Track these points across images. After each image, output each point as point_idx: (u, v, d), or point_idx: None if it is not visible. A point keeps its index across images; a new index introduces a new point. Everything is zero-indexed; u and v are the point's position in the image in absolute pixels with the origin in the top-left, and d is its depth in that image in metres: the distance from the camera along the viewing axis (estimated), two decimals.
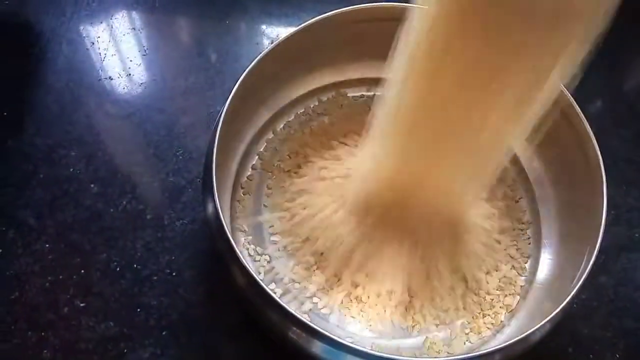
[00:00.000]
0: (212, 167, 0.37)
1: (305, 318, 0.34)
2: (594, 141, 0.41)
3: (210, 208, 0.37)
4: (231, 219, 0.44)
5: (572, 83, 0.41)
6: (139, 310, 0.42)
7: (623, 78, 0.58)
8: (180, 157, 0.49)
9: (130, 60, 0.54)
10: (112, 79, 0.53)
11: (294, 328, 0.34)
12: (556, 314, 0.35)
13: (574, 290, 0.35)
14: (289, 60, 0.46)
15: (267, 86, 0.47)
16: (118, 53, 0.55)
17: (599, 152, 0.40)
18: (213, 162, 0.37)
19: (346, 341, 0.32)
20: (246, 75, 0.41)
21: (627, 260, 0.46)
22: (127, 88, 0.52)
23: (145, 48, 0.55)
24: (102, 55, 0.54)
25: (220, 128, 0.38)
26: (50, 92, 0.52)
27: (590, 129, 0.41)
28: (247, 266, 0.34)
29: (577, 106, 0.41)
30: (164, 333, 0.41)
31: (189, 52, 0.56)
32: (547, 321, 0.35)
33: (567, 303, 0.35)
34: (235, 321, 0.42)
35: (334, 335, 0.32)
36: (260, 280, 0.34)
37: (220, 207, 0.36)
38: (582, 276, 0.36)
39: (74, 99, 0.51)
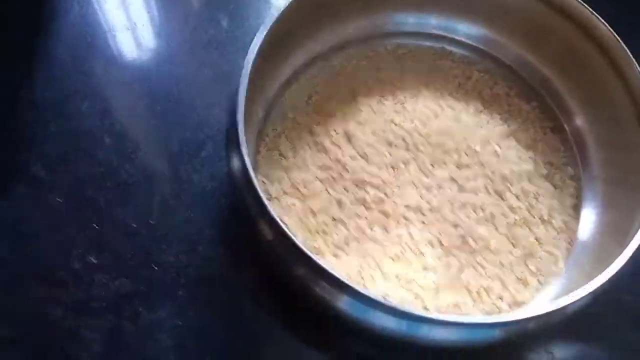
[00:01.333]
0: (239, 116, 0.34)
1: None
2: None
3: (235, 160, 0.34)
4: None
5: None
6: (155, 267, 0.40)
7: None
8: (201, 112, 0.46)
9: (148, 12, 0.51)
10: (128, 30, 0.50)
11: (324, 283, 0.31)
12: (598, 287, 0.32)
13: (621, 263, 0.33)
14: (314, 10, 0.43)
15: (291, 37, 0.44)
16: (134, 3, 0.52)
17: None
18: (239, 111, 0.35)
19: (376, 296, 0.30)
20: (272, 24, 0.39)
21: None
22: (144, 40, 0.50)
23: None
24: (118, 5, 0.51)
25: (248, 74, 0.36)
26: (62, 42, 0.49)
27: None
28: (277, 219, 0.32)
29: (631, 56, 0.38)
30: (181, 292, 0.39)
31: (208, 3, 0.53)
32: (590, 293, 0.32)
33: (613, 275, 0.33)
34: (258, 281, 0.39)
35: (363, 290, 0.30)
36: (291, 233, 0.31)
37: (249, 155, 0.34)
38: (630, 242, 0.34)
39: (88, 50, 0.49)
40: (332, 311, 0.32)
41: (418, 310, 0.33)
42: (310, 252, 0.38)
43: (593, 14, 0.40)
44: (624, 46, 0.39)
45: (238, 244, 0.40)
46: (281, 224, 0.32)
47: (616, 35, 0.39)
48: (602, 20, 0.40)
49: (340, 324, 0.33)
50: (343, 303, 0.32)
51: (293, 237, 0.31)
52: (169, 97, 0.46)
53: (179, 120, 0.45)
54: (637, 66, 0.38)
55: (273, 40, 0.40)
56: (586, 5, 0.40)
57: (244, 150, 0.34)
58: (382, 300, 0.30)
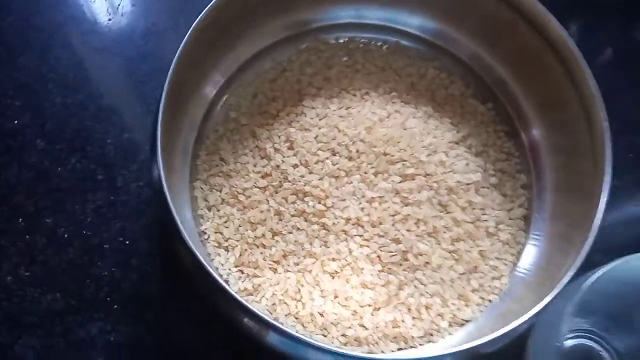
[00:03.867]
0: (158, 126, 0.33)
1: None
2: (600, 102, 0.36)
3: (155, 176, 0.32)
4: (191, 179, 0.40)
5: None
6: (88, 281, 0.39)
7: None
8: (138, 110, 0.44)
9: (81, 5, 0.48)
10: (65, 20, 0.47)
11: (246, 319, 0.30)
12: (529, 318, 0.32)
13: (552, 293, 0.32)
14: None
15: (233, 30, 0.42)
16: None
17: (604, 115, 0.36)
18: (159, 120, 0.33)
19: (298, 334, 0.29)
20: (206, 14, 0.36)
21: (627, 236, 0.42)
22: (81, 29, 0.47)
23: None
24: None
25: (170, 80, 0.34)
26: None
27: (595, 86, 0.36)
28: (194, 250, 0.30)
29: (582, 59, 0.36)
30: (115, 307, 0.38)
31: None
32: (520, 324, 0.31)
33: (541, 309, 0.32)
34: (193, 297, 0.38)
35: (286, 327, 0.29)
36: (209, 265, 0.30)
37: (166, 170, 0.32)
38: (565, 274, 0.33)
39: (21, 40, 0.46)
40: (259, 344, 0.31)
41: (339, 347, 0.32)
42: (248, 266, 0.38)
43: (548, 14, 0.37)
44: (576, 48, 0.37)
45: (172, 258, 0.39)
46: (198, 255, 0.30)
47: (569, 37, 0.37)
48: (556, 21, 0.37)
49: (267, 353, 0.32)
50: (268, 336, 0.31)
51: (212, 273, 0.30)
52: (104, 94, 0.44)
53: (115, 120, 0.43)
54: (589, 69, 0.36)
55: (213, 28, 0.37)
56: (541, 5, 0.38)
57: (162, 170, 0.32)
58: (303, 337, 0.29)
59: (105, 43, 0.46)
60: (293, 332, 0.30)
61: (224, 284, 0.30)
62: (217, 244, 0.38)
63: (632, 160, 0.43)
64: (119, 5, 0.48)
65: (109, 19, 0.47)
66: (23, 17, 0.47)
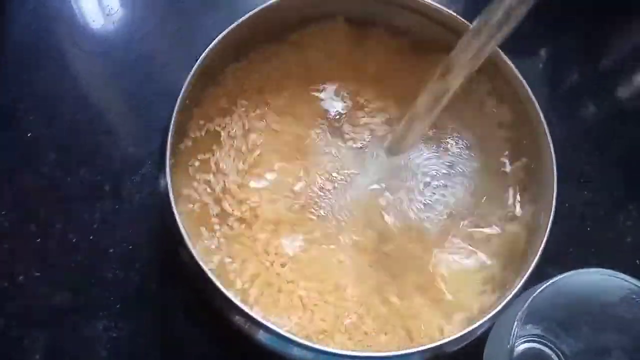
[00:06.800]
0: (167, 144, 0.37)
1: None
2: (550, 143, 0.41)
3: (162, 185, 0.37)
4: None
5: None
6: (94, 282, 0.43)
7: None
8: (142, 127, 0.48)
9: (93, 21, 0.52)
10: (76, 42, 0.51)
11: (238, 317, 0.35)
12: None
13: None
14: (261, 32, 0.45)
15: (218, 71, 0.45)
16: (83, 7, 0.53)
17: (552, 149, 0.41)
18: (168, 141, 0.37)
19: (286, 332, 0.33)
20: (201, 62, 0.40)
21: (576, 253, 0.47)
22: (92, 50, 0.51)
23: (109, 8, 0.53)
24: (72, 8, 0.52)
25: (179, 104, 0.38)
26: (8, 46, 0.50)
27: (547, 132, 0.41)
28: (193, 252, 0.34)
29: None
30: (118, 306, 0.42)
31: (154, 18, 0.54)
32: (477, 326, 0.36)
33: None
34: (191, 298, 0.42)
35: (274, 326, 0.33)
36: (208, 268, 0.34)
37: (173, 184, 0.36)
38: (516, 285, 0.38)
39: (36, 55, 0.50)
40: (250, 339, 0.36)
41: (325, 345, 0.36)
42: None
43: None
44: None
45: (174, 263, 0.43)
46: (199, 261, 0.34)
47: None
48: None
49: (257, 348, 0.36)
50: (259, 334, 0.35)
51: (211, 275, 0.34)
52: (111, 111, 0.48)
53: (121, 135, 0.47)
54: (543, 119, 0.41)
55: (214, 60, 0.41)
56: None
57: (169, 180, 0.36)
58: (291, 336, 0.34)
59: (115, 68, 0.50)
60: (279, 330, 0.34)
61: (217, 282, 0.34)
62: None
63: (583, 185, 0.49)
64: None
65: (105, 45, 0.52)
66: (37, 36, 0.51)
